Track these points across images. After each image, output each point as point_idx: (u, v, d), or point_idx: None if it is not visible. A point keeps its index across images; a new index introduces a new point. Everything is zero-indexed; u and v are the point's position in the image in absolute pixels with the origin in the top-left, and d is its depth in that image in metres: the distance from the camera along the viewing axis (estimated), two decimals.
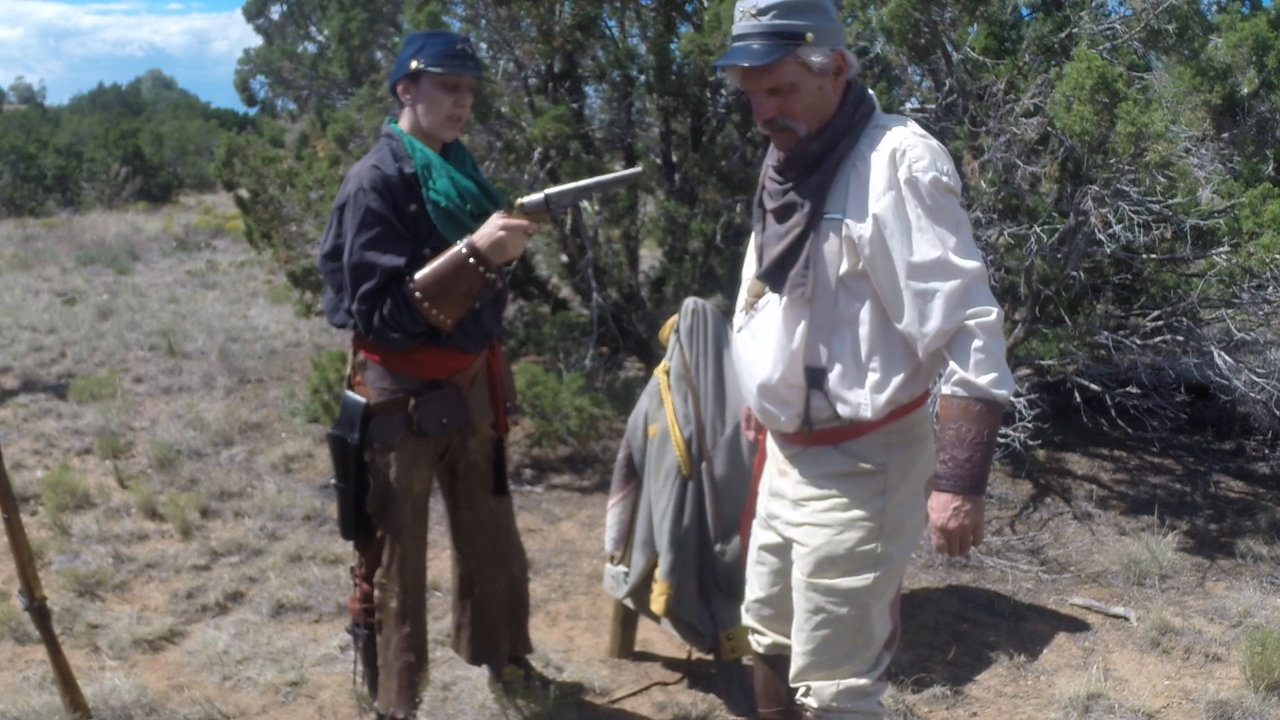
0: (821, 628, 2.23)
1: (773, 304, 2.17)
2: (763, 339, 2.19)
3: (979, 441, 2.00)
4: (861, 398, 2.10)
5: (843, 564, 2.18)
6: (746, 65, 2.02)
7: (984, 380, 1.98)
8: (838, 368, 2.10)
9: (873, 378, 2.09)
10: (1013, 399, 4.63)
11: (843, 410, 2.12)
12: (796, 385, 2.15)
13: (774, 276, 2.14)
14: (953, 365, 2.01)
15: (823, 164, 2.07)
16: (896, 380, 2.08)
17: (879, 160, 2.01)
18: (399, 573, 2.75)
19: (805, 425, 2.18)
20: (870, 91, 2.13)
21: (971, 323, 1.99)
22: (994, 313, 2.00)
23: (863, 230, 2.01)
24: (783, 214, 2.13)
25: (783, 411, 2.19)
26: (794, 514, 2.26)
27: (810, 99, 2.05)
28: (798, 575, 2.26)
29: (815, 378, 2.13)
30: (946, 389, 2.02)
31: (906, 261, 1.99)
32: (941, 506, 2.04)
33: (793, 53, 2.00)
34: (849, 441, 2.16)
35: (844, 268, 2.06)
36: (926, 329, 2.01)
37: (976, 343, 1.99)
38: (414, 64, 2.60)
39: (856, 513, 2.17)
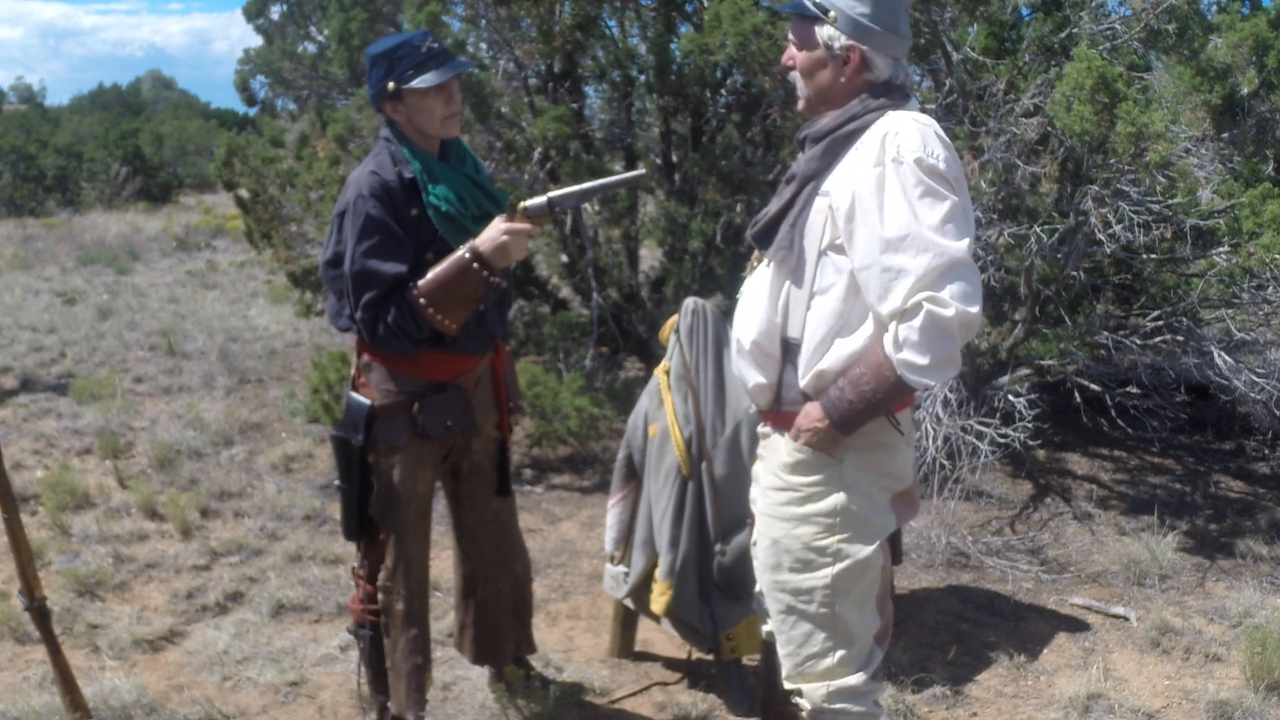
0: (795, 627, 2.24)
1: (763, 269, 2.23)
2: (751, 301, 2.24)
3: (868, 396, 2.02)
4: (822, 366, 2.10)
5: (799, 558, 2.19)
6: (781, 9, 2.29)
7: (902, 358, 1.96)
8: (808, 342, 2.13)
9: (835, 351, 2.09)
10: (1012, 399, 4.63)
11: (804, 384, 2.14)
12: (772, 354, 2.19)
13: (762, 239, 2.22)
14: (892, 326, 1.98)
15: (827, 139, 2.12)
16: (857, 356, 2.07)
17: (872, 141, 2.05)
18: (404, 575, 2.74)
19: (776, 402, 2.22)
20: (907, 92, 2.15)
21: (927, 305, 1.93)
22: (954, 308, 1.93)
23: (841, 204, 2.05)
24: (787, 181, 2.20)
25: (757, 375, 2.22)
26: (761, 502, 2.30)
27: (812, 67, 2.15)
28: (762, 573, 2.28)
29: (789, 350, 2.17)
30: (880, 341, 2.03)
31: (880, 237, 1.98)
32: (808, 411, 2.11)
33: (812, 21, 2.12)
34: None
35: (825, 241, 2.09)
36: (886, 307, 1.98)
37: (916, 324, 1.94)
38: (390, 85, 2.57)
39: (812, 508, 2.18)
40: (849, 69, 2.11)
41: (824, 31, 2.11)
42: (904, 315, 1.97)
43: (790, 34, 2.20)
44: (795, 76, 2.21)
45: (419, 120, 2.62)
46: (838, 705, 2.24)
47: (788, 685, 2.31)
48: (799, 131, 2.21)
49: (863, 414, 2.04)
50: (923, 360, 1.95)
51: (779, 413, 2.22)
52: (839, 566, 2.17)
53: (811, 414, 2.11)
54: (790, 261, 2.13)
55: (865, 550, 2.16)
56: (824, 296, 2.10)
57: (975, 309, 1.95)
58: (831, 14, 2.09)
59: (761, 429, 2.33)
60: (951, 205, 1.99)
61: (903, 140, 2.00)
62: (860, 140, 2.08)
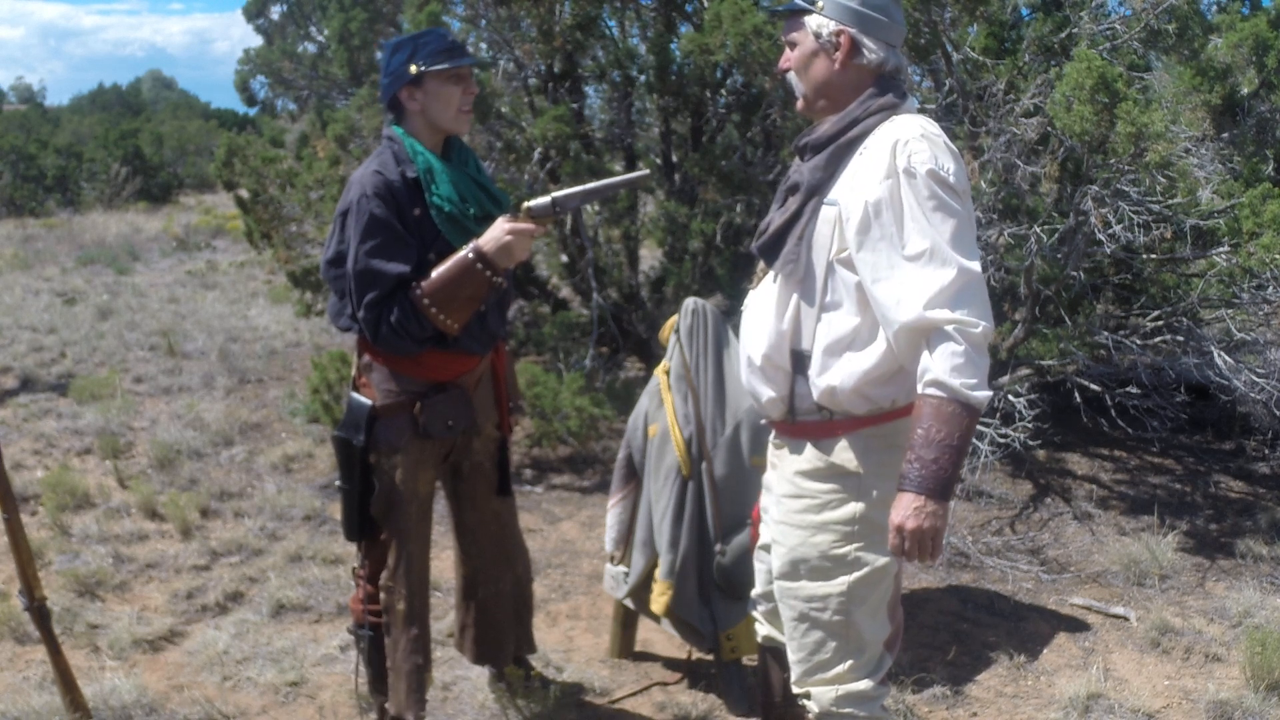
0: (808, 634, 2.23)
1: (769, 282, 2.21)
2: (758, 315, 2.22)
3: (949, 444, 1.92)
4: (834, 381, 2.09)
5: (816, 567, 2.17)
6: (769, 5, 2.19)
7: (959, 382, 1.92)
8: (818, 352, 2.11)
9: (847, 367, 2.08)
10: (1013, 399, 4.63)
11: (817, 396, 2.12)
12: (782, 367, 2.17)
13: (768, 252, 2.19)
14: (926, 365, 1.95)
15: (829, 147, 2.11)
16: (871, 374, 2.06)
17: (880, 149, 2.03)
18: (405, 575, 2.74)
19: (790, 414, 2.19)
20: (905, 90, 2.14)
21: (952, 329, 1.93)
22: (981, 326, 1.93)
23: (852, 214, 2.03)
24: (789, 191, 2.18)
25: (769, 389, 2.20)
26: (775, 510, 2.28)
27: (805, 62, 2.15)
28: (776, 580, 2.26)
29: (800, 362, 2.15)
30: (919, 389, 1.97)
31: (897, 250, 1.98)
32: (903, 506, 1.96)
33: (801, 14, 2.14)
34: (827, 439, 2.15)
35: (833, 251, 2.07)
36: (902, 316, 1.96)
37: (956, 348, 1.92)
38: (413, 68, 2.57)
39: (830, 515, 2.16)
40: (840, 55, 2.10)
41: (813, 22, 2.12)
42: (930, 348, 1.94)
43: (782, 36, 2.21)
44: (791, 77, 2.21)
45: (434, 109, 2.61)
46: (846, 710, 2.23)
47: (796, 689, 2.30)
48: (798, 139, 2.19)
49: (953, 465, 1.94)
50: (975, 378, 1.93)
51: (793, 424, 2.20)
52: (856, 575, 2.15)
53: (905, 504, 1.96)
54: (798, 274, 2.11)
55: (883, 558, 2.15)
56: (835, 311, 2.09)
57: (991, 323, 1.97)
58: (819, 3, 2.11)
59: (774, 440, 2.31)
60: (962, 220, 1.99)
61: (914, 150, 1.99)
62: (864, 146, 2.07)
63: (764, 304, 2.21)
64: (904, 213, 1.98)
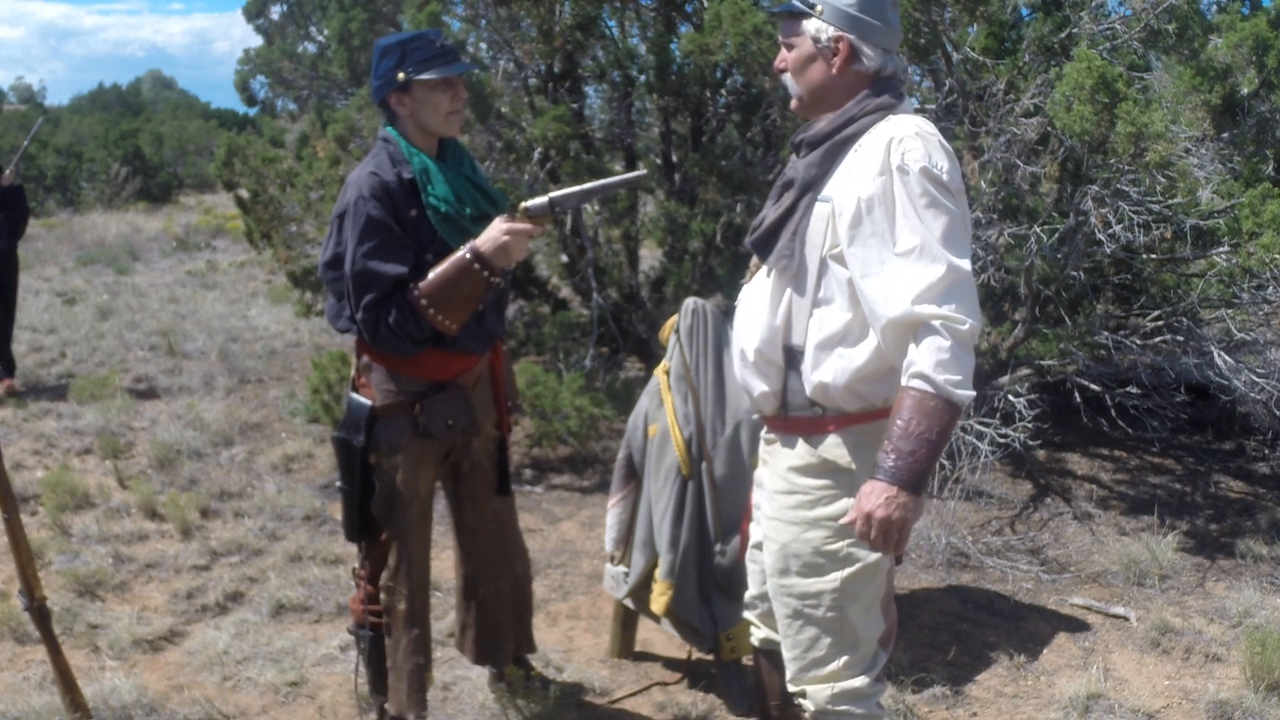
0: (802, 631, 2.23)
1: (762, 276, 2.21)
2: (752, 310, 2.22)
3: (926, 438, 1.92)
4: (825, 378, 2.09)
5: (808, 563, 2.18)
6: (768, 6, 2.20)
7: (943, 378, 1.91)
8: (811, 348, 2.11)
9: (838, 363, 2.08)
10: (1013, 399, 4.63)
11: (809, 391, 2.12)
12: (775, 361, 2.17)
13: (762, 247, 2.19)
14: (912, 359, 1.94)
15: (825, 144, 2.11)
16: (862, 371, 2.06)
17: (875, 147, 2.04)
18: (406, 575, 2.75)
19: (782, 409, 2.19)
20: (902, 91, 2.15)
21: (939, 324, 1.92)
22: (969, 323, 1.93)
23: (844, 210, 2.03)
24: (784, 187, 2.18)
25: (761, 384, 2.20)
26: (768, 506, 2.28)
27: (802, 65, 2.15)
28: (769, 578, 2.27)
29: (792, 357, 2.15)
30: (903, 381, 1.96)
31: (888, 246, 1.98)
32: (874, 494, 1.95)
33: (800, 17, 2.14)
34: (819, 435, 2.15)
35: (826, 247, 2.08)
36: (889, 311, 1.96)
37: (943, 343, 1.92)
38: (401, 75, 2.57)
39: (822, 511, 2.16)
40: (838, 60, 2.11)
41: (811, 25, 2.12)
42: (917, 342, 1.94)
43: (780, 37, 2.21)
44: (787, 78, 2.21)
45: (423, 114, 2.62)
46: (842, 707, 2.24)
47: (791, 687, 2.30)
48: (794, 136, 2.19)
49: (929, 459, 1.93)
50: (959, 375, 1.93)
51: (786, 419, 2.20)
52: (848, 570, 2.16)
53: (876, 492, 1.95)
54: (791, 269, 2.11)
55: (875, 554, 2.14)
56: (828, 307, 2.09)
57: (979, 321, 1.97)
58: (818, 7, 2.11)
59: (766, 434, 2.32)
60: (954, 218, 1.99)
61: (908, 148, 1.99)
62: (860, 144, 2.07)
63: (757, 299, 2.21)
64: (896, 209, 1.98)
